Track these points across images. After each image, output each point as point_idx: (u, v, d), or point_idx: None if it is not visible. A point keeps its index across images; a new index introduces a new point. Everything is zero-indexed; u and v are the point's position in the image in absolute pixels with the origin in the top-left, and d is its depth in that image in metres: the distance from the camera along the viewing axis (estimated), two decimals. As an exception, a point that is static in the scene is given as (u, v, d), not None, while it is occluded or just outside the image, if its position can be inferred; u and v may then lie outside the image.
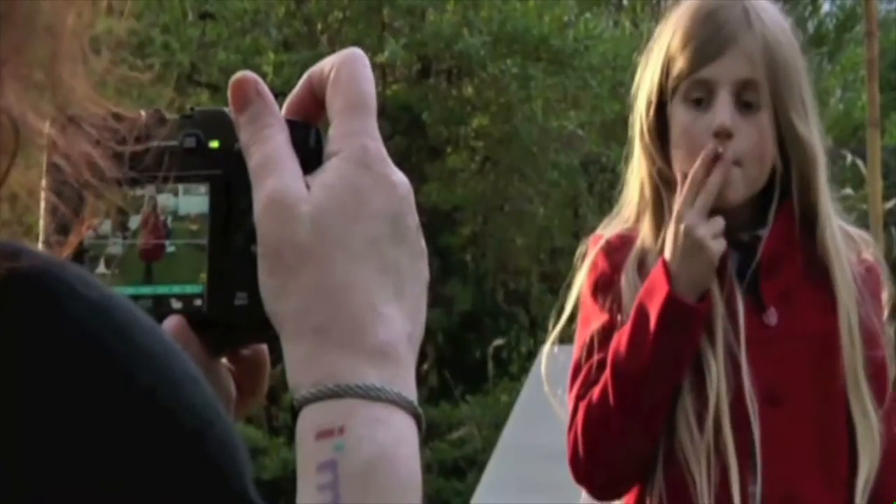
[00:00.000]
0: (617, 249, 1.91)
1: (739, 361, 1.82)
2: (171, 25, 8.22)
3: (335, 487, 0.63)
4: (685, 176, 1.83)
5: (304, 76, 0.72)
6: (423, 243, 0.70)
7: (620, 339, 1.83)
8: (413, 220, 0.69)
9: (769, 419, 1.82)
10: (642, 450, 1.85)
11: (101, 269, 0.73)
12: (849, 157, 7.87)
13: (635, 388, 1.81)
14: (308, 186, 0.68)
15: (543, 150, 8.53)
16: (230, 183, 0.72)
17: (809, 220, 1.87)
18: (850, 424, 1.86)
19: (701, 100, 1.86)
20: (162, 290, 0.73)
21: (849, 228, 1.93)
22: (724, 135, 1.82)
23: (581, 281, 1.93)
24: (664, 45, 1.89)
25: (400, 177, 0.69)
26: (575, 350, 1.92)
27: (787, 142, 1.85)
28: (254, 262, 0.69)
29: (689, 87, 1.86)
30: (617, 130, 8.38)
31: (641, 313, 1.81)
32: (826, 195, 1.87)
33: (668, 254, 1.82)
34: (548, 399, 1.99)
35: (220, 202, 0.72)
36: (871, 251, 1.94)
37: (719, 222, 1.81)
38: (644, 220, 1.91)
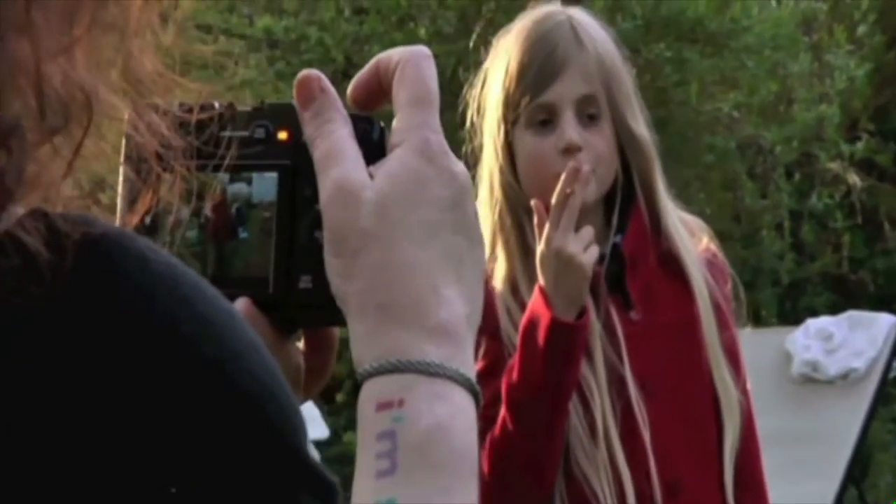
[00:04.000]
0: None
1: (623, 371, 1.92)
2: (328, 22, 8.34)
3: (393, 456, 0.67)
4: (541, 201, 1.89)
5: (373, 61, 0.76)
6: (480, 231, 0.73)
7: (511, 374, 1.91)
8: (472, 208, 0.73)
9: (647, 410, 1.92)
10: (549, 472, 1.92)
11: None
12: None
13: (532, 414, 1.89)
14: (371, 175, 0.72)
15: (698, 133, 8.42)
16: (297, 172, 0.76)
17: (654, 218, 1.98)
18: (714, 400, 1.97)
19: (546, 121, 1.95)
20: (233, 273, 0.77)
21: (685, 217, 2.05)
22: (573, 150, 1.91)
23: None
24: (500, 74, 1.97)
25: (460, 168, 0.73)
26: None
27: (626, 145, 1.97)
28: (318, 247, 0.73)
29: (532, 113, 1.94)
30: (775, 111, 8.22)
31: (528, 343, 1.88)
32: (663, 191, 2.00)
33: (542, 280, 1.88)
34: None
35: (287, 190, 0.76)
36: (706, 238, 2.05)
37: (589, 232, 1.88)
38: (507, 247, 1.98)
